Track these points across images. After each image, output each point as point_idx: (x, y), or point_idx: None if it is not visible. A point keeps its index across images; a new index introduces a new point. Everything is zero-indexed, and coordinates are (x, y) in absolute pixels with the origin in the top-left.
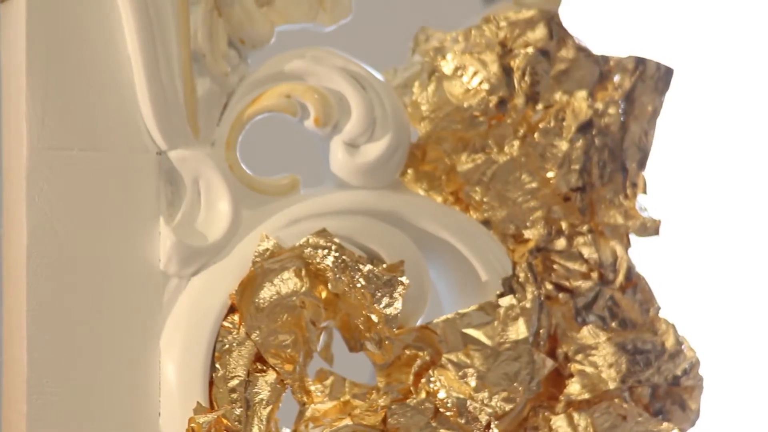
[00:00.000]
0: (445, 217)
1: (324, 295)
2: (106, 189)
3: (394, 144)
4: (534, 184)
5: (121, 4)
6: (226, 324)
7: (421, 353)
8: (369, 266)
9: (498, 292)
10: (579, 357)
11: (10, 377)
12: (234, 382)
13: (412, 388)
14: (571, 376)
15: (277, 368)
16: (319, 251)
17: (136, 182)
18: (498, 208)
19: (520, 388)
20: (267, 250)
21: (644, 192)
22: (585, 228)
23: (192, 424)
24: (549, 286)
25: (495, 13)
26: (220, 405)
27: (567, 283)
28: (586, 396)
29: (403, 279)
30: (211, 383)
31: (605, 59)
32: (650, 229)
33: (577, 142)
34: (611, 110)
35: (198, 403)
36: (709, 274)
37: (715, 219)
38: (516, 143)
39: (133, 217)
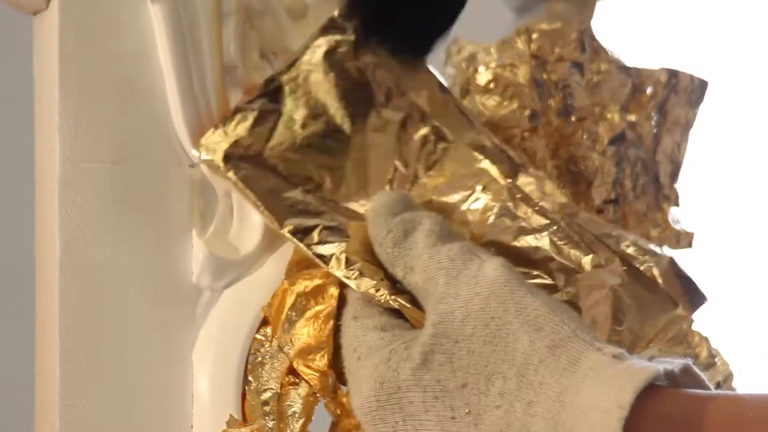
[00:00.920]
0: None
1: None
2: (139, 202)
3: None
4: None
5: (154, 16)
6: (258, 337)
7: None
8: None
9: None
10: None
11: (42, 389)
12: (266, 395)
13: None
14: None
15: (309, 381)
16: None
17: (168, 195)
18: None
19: None
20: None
21: (677, 204)
22: None
23: None
24: None
25: (528, 26)
26: (253, 418)
27: None
28: None
29: None
30: (243, 396)
31: (638, 71)
32: (683, 241)
33: (610, 155)
34: (644, 122)
35: (231, 415)
36: (742, 284)
37: (748, 227)
38: (549, 156)
39: (165, 230)
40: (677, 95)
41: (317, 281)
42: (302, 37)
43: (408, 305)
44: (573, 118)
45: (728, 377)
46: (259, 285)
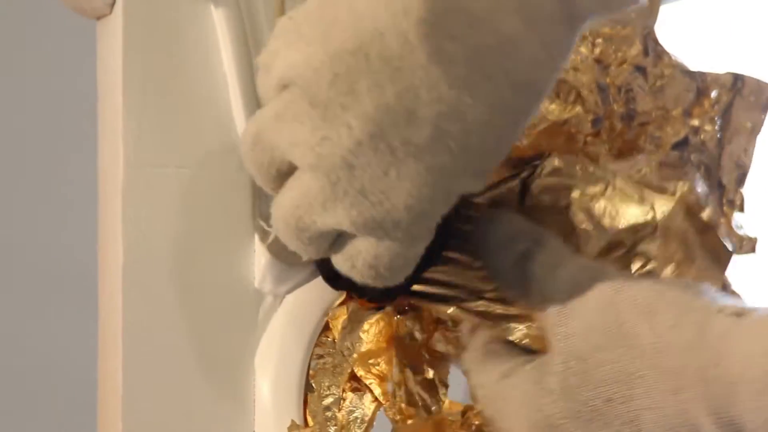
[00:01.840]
0: None
1: None
2: (202, 206)
3: None
4: None
5: (217, 20)
6: (320, 342)
7: None
8: None
9: None
10: None
11: (104, 394)
12: (328, 400)
13: None
14: None
15: (370, 386)
16: None
17: (231, 199)
18: None
19: None
20: None
21: (741, 210)
22: None
23: None
24: None
25: (591, 30)
26: (315, 423)
27: None
28: None
29: None
30: (305, 402)
31: (702, 75)
32: (746, 246)
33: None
34: (707, 127)
35: (293, 421)
36: None
37: None
38: (611, 160)
39: (227, 235)
40: (743, 99)
41: None
42: None
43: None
44: (636, 123)
45: None
46: (320, 290)
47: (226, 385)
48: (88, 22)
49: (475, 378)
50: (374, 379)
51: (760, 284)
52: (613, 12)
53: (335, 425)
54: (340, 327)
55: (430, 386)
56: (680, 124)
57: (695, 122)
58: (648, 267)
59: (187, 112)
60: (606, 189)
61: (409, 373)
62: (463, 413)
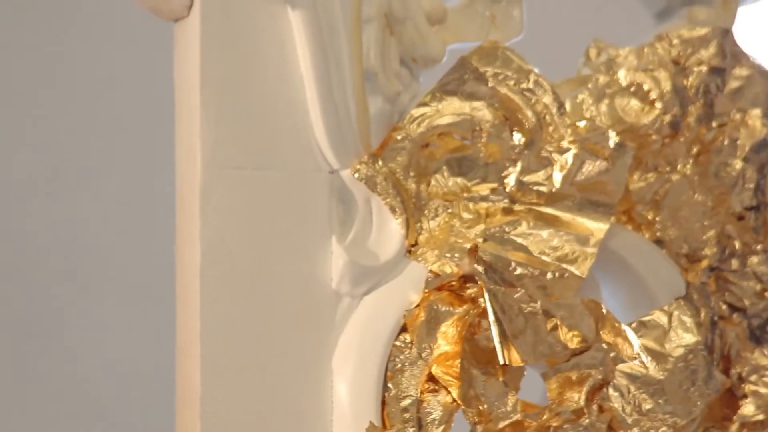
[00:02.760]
0: (619, 236)
1: None
2: (279, 208)
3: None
4: (708, 204)
5: (294, 23)
6: (398, 343)
7: (593, 371)
8: None
9: None
10: (753, 378)
11: (183, 395)
12: (406, 402)
13: (585, 408)
14: (745, 397)
15: (448, 387)
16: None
17: (308, 201)
18: (670, 227)
19: (698, 402)
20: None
21: None
22: (759, 247)
23: None
24: (722, 306)
25: (668, 31)
26: (393, 425)
27: (741, 303)
28: (761, 417)
29: None
30: (383, 403)
31: None
32: None
33: (752, 161)
34: None
35: (370, 422)
36: None
37: None
38: (689, 162)
39: (305, 236)
40: None
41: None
42: (441, 43)
43: None
44: (714, 124)
45: None
46: (398, 291)
47: (303, 387)
48: (166, 24)
49: None
50: (452, 380)
51: None
52: None
53: (413, 427)
54: (417, 328)
55: (497, 390)
56: (759, 126)
57: None
58: None
59: (264, 114)
60: None
61: (476, 374)
62: (540, 415)
